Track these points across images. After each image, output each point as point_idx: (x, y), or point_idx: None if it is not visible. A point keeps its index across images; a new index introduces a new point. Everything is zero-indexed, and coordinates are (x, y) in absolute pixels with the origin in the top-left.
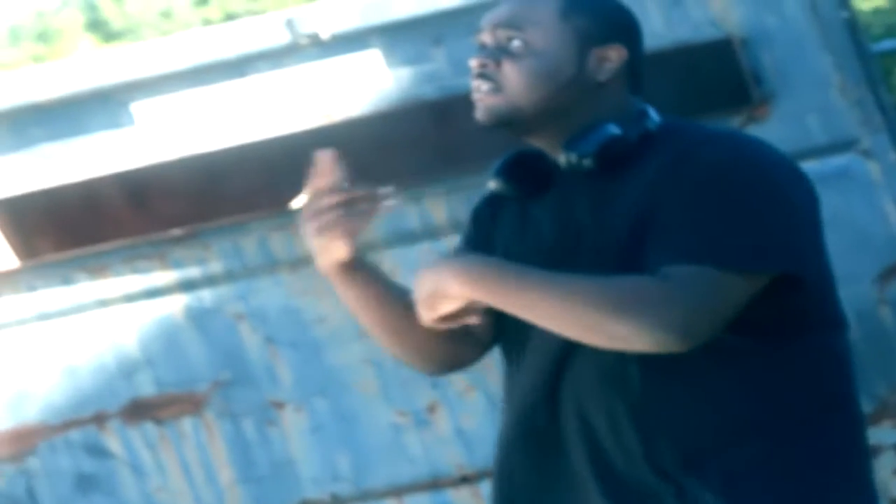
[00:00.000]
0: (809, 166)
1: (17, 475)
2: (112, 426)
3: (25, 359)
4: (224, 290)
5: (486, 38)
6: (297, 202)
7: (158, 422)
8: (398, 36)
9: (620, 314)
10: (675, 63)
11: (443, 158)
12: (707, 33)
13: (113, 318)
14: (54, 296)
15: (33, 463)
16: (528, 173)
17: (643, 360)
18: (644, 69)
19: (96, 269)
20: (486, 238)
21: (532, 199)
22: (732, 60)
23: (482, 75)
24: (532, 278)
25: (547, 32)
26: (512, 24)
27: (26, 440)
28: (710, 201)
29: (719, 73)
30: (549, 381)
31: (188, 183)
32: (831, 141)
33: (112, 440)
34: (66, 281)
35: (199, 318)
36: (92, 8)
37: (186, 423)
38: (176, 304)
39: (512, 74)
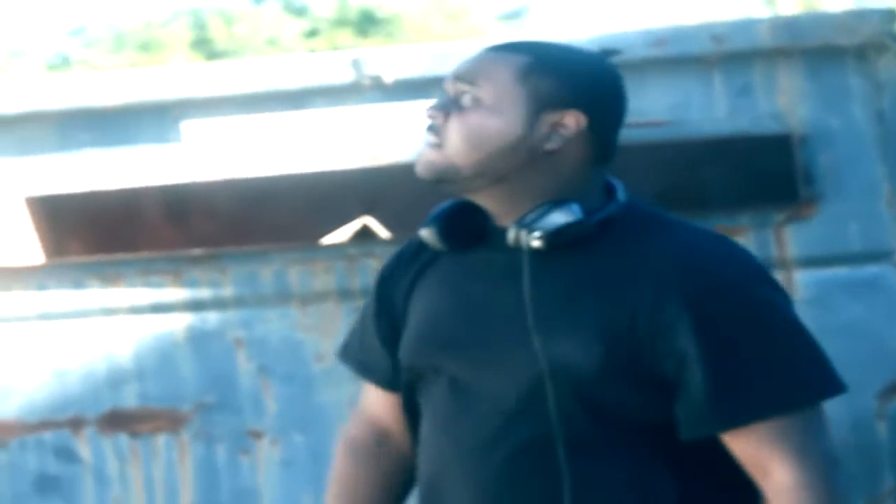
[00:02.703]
0: (841, 272)
1: None
2: (86, 433)
3: (19, 355)
4: (230, 315)
5: (448, 88)
6: (328, 239)
7: (134, 435)
8: None
9: None
10: (731, 151)
11: None
12: (768, 126)
13: (114, 327)
14: (61, 297)
15: (1, 458)
16: (462, 229)
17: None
18: (614, 139)
19: (111, 277)
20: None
21: (460, 254)
22: (788, 156)
23: (430, 127)
24: None
25: (498, 90)
26: (467, 77)
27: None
28: (768, 339)
29: (772, 167)
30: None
31: (226, 205)
32: (867, 249)
33: (83, 446)
34: (78, 285)
35: (198, 339)
36: (201, 25)
37: (161, 440)
38: (179, 322)
39: (454, 130)
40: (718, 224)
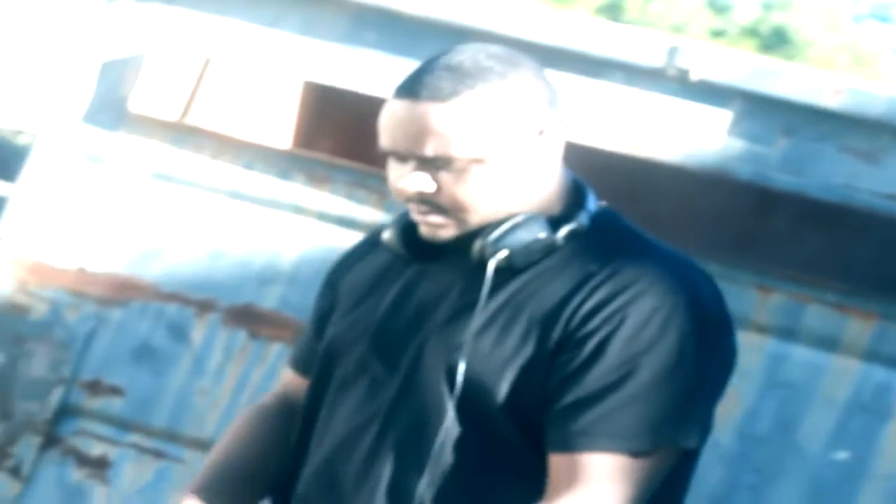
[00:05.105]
0: None
1: (91, 317)
2: (210, 318)
3: (188, 224)
4: None
5: (409, 156)
6: None
7: (253, 335)
8: (757, 109)
9: None
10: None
11: (716, 239)
12: None
13: (293, 225)
14: (260, 182)
15: (115, 314)
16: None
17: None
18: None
19: (319, 178)
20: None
21: (418, 262)
22: None
23: (426, 203)
24: None
25: (472, 142)
26: (433, 147)
27: (126, 292)
28: (633, 376)
29: None
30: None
31: None
32: None
33: (199, 330)
34: (283, 175)
35: None
36: None
37: (274, 348)
38: (355, 241)
39: (460, 198)
40: (852, 303)
